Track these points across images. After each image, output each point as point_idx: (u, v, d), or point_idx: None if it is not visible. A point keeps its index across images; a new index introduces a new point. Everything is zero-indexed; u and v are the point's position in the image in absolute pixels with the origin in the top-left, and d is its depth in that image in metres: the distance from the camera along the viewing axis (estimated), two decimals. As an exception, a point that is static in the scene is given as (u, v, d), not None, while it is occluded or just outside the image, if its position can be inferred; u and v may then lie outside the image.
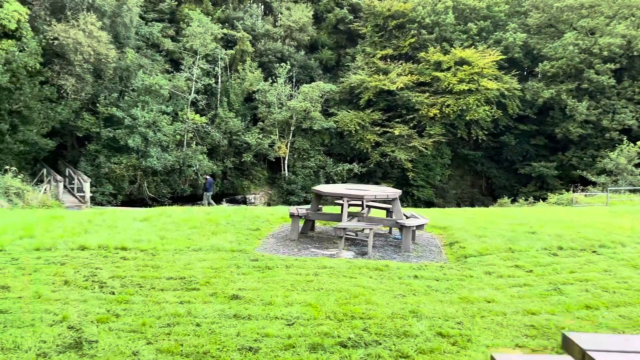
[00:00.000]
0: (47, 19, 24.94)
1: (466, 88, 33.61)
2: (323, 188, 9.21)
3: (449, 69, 35.09)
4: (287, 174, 33.52)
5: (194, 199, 30.30)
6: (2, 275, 6.21)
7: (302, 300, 5.53)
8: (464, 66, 34.37)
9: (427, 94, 35.24)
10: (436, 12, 37.68)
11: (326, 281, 6.33)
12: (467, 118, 33.92)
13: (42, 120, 24.30)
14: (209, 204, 22.87)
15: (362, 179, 34.70)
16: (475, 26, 37.87)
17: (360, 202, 9.47)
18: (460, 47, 35.67)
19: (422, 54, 36.45)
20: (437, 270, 7.13)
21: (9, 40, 22.65)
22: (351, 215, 9.23)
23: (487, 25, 38.28)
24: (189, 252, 7.77)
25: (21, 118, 23.47)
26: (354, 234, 8.98)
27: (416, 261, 7.94)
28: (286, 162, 33.58)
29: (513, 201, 30.15)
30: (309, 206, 10.00)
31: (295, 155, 34.14)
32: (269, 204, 32.54)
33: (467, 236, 9.37)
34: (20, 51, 22.75)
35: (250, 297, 5.62)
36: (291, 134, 33.53)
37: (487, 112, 33.74)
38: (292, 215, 9.27)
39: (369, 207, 10.03)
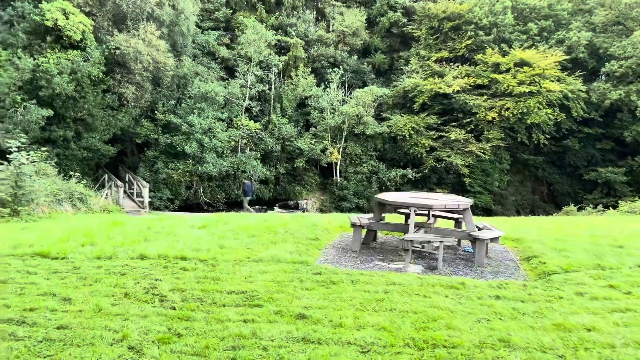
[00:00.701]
0: (110, 29, 25.79)
1: (527, 90, 32.05)
2: (387, 196, 8.68)
3: (508, 70, 33.62)
4: (339, 180, 33.10)
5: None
6: (64, 286, 6.10)
7: (375, 323, 5.04)
8: (524, 67, 32.81)
9: (485, 97, 33.87)
10: (494, 13, 36.28)
11: (398, 300, 5.80)
12: (528, 121, 32.29)
13: (104, 127, 25.07)
14: (246, 208, 22.70)
15: (416, 184, 33.76)
16: (535, 26, 36.13)
17: (426, 212, 8.86)
18: (519, 48, 34.12)
19: (479, 56, 35.11)
20: (519, 289, 6.43)
21: (75, 51, 23.54)
22: (417, 226, 8.64)
23: (548, 24, 36.44)
24: (249, 263, 7.44)
25: (85, 125, 24.30)
26: (420, 246, 8.39)
27: (492, 278, 7.25)
28: (338, 167, 33.18)
29: (580, 209, 28.32)
30: (371, 215, 9.49)
31: (347, 161, 33.68)
32: (321, 210, 32.28)
33: (545, 249, 8.55)
34: (85, 61, 23.57)
35: (317, 317, 5.18)
36: (343, 139, 33.12)
37: (550, 115, 32.01)
38: (353, 225, 8.78)
39: (435, 216, 9.41)
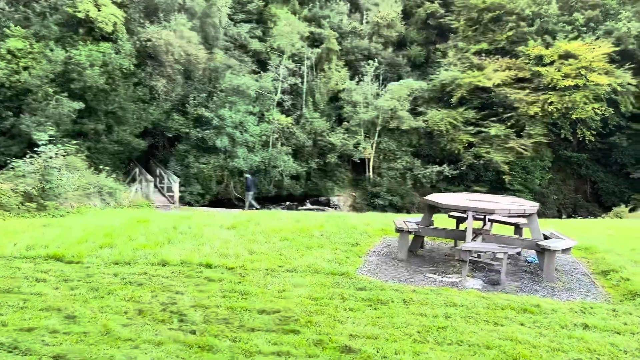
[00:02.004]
0: (141, 21, 25.40)
1: (572, 84, 30.17)
2: (440, 199, 7.59)
3: (552, 63, 31.75)
4: (372, 176, 32.04)
5: (278, 200, 29.84)
6: (72, 299, 5.33)
7: (441, 362, 4.06)
8: (569, 60, 30.90)
9: (527, 91, 32.11)
10: (537, 3, 34.41)
11: (464, 329, 4.79)
12: (573, 117, 30.41)
13: (135, 120, 24.70)
14: (251, 205, 21.58)
15: (452, 182, 32.41)
16: (582, 16, 34.08)
17: (481, 215, 7.75)
18: (564, 39, 32.20)
19: (521, 48, 33.30)
20: (609, 315, 5.32)
21: (106, 43, 23.20)
22: (473, 233, 7.54)
23: (595, 14, 34.31)
24: (282, 274, 6.54)
25: (116, 118, 23.97)
26: (475, 255, 7.33)
27: (567, 297, 6.14)
28: (371, 163, 32.11)
29: (632, 210, 26.47)
30: (418, 219, 8.46)
31: (380, 157, 32.57)
32: (353, 207, 31.38)
33: (622, 262, 7.35)
34: (116, 53, 23.21)
35: (368, 352, 4.21)
36: (377, 134, 32.01)
37: (597, 110, 30.08)
38: (399, 231, 7.75)
39: (492, 221, 8.31)
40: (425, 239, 9.17)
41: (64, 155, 17.12)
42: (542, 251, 6.92)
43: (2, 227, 10.45)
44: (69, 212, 15.70)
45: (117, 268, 6.61)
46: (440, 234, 8.10)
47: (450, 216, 8.71)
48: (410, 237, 7.97)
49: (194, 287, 5.88)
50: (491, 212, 6.77)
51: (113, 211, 16.92)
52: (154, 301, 5.34)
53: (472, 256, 7.16)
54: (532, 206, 7.20)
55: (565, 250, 6.97)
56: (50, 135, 17.69)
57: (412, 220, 8.35)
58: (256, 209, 20.81)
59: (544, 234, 7.41)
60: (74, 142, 19.89)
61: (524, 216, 7.24)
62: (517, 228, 8.39)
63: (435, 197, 7.73)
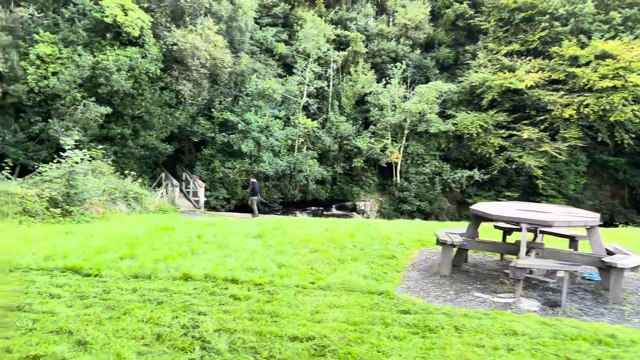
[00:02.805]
0: (167, 25, 25.29)
1: (610, 85, 28.89)
2: (488, 209, 6.81)
3: (587, 64, 30.48)
4: (399, 181, 31.28)
5: (303, 204, 29.37)
6: (86, 320, 4.84)
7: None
8: (606, 60, 29.60)
9: (561, 93, 30.92)
10: (572, 2, 33.18)
11: (533, 366, 4.11)
12: (611, 119, 29.08)
13: (162, 125, 24.56)
14: (254, 209, 20.93)
15: (482, 187, 31.43)
16: (619, 15, 32.73)
17: (532, 227, 7.00)
18: (601, 39, 30.88)
19: (554, 49, 32.14)
20: (701, 350, 4.57)
21: (133, 47, 23.12)
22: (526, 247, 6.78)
23: (633, 13, 32.93)
24: (315, 292, 5.94)
25: (142, 123, 23.86)
26: (527, 271, 6.60)
27: (640, 323, 5.39)
28: (399, 167, 31.36)
29: (676, 218, 25.06)
30: (462, 230, 7.76)
31: (408, 161, 31.78)
32: (380, 212, 30.68)
33: (696, 282, 6.52)
34: (143, 57, 23.09)
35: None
36: (404, 138, 31.27)
37: (636, 112, 28.68)
38: (442, 244, 7.04)
39: (543, 233, 7.54)
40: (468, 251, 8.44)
41: (90, 160, 16.96)
42: (607, 269, 6.14)
43: (25, 234, 10.16)
44: (94, 217, 15.47)
45: (136, 282, 6.12)
46: (486, 247, 7.37)
47: (496, 227, 7.97)
48: (454, 250, 7.27)
49: (219, 306, 5.33)
50: (550, 225, 6.03)
51: (138, 216, 16.65)
52: (174, 323, 4.81)
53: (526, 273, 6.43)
54: (594, 217, 6.42)
55: (634, 268, 6.18)
56: (77, 140, 17.56)
57: (455, 231, 7.66)
58: (254, 215, 20.07)
59: (606, 249, 6.62)
60: (100, 146, 19.81)
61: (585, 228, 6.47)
62: (573, 241, 7.60)
63: (483, 207, 6.99)
